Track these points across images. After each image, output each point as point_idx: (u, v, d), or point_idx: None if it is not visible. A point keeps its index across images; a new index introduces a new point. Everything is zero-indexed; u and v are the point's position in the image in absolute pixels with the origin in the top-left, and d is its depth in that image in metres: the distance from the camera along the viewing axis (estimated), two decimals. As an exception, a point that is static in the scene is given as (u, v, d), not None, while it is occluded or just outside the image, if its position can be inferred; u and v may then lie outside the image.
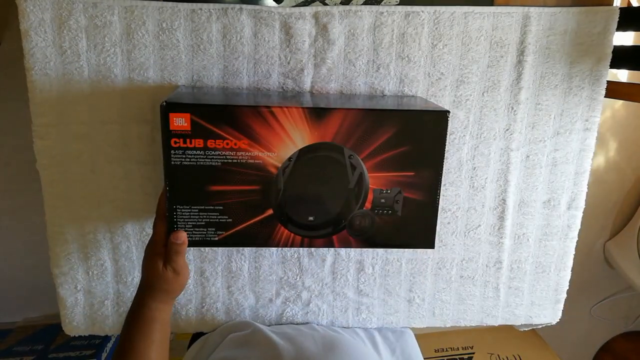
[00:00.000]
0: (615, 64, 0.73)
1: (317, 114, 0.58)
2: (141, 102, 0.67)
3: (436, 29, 0.68)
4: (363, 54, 0.69)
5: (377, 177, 0.61)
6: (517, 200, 0.78)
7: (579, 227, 0.80)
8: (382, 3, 0.68)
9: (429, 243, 0.66)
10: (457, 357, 1.46)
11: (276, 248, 0.75)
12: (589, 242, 1.69)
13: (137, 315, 0.60)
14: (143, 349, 0.58)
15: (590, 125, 0.75)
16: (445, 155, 0.65)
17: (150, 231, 0.72)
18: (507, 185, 0.76)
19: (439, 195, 0.63)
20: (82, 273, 0.74)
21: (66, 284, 0.74)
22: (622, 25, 0.72)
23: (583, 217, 0.80)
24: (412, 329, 0.84)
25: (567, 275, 0.83)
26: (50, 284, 0.74)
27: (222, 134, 0.57)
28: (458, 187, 0.76)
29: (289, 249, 0.75)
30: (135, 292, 0.62)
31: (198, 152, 0.58)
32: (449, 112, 0.60)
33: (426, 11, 0.68)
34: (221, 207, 0.60)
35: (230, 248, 0.74)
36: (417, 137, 0.60)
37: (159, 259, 0.60)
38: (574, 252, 0.82)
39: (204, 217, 0.61)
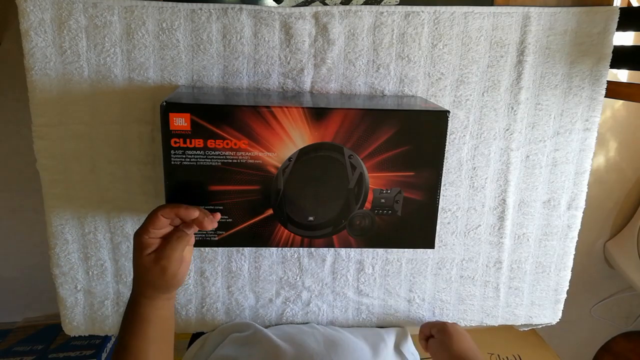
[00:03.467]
0: (615, 64, 0.73)
1: (317, 113, 0.58)
2: (141, 102, 0.67)
3: (436, 29, 0.68)
4: (363, 54, 0.69)
5: (377, 177, 0.61)
6: (517, 200, 0.78)
7: (579, 227, 0.81)
8: (382, 3, 0.68)
9: (429, 243, 0.66)
10: (457, 357, 1.46)
11: (276, 248, 0.75)
12: (589, 242, 1.69)
13: (129, 312, 0.56)
14: (139, 347, 0.55)
15: (590, 125, 0.75)
16: (445, 155, 0.65)
17: (150, 231, 0.72)
18: (507, 185, 0.76)
19: (439, 195, 0.63)
20: (82, 273, 0.74)
21: (66, 284, 0.74)
22: (622, 25, 0.72)
23: (583, 217, 0.80)
24: (412, 329, 0.84)
25: (567, 275, 0.83)
26: (50, 284, 0.74)
27: (222, 134, 0.57)
28: (458, 187, 0.76)
29: (289, 249, 0.75)
30: None
31: (198, 152, 0.58)
32: (449, 112, 0.60)
33: (426, 11, 0.68)
34: (221, 207, 0.60)
35: (230, 248, 0.74)
36: (417, 137, 0.60)
37: (148, 247, 0.53)
38: (574, 252, 0.82)
39: (204, 217, 0.61)
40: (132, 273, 0.74)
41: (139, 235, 0.54)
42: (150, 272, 0.54)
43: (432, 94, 0.71)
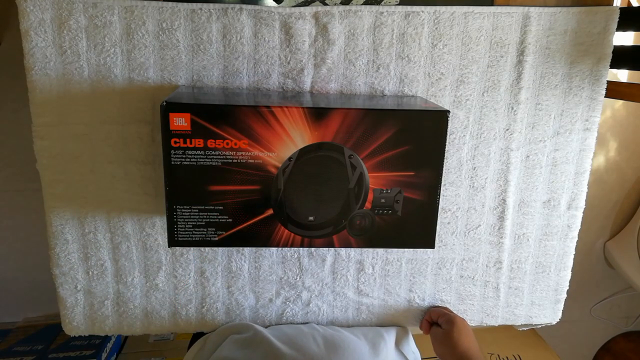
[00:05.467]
0: (615, 64, 0.73)
1: (317, 113, 0.58)
2: (141, 102, 0.67)
3: (436, 29, 0.68)
4: (363, 54, 0.69)
5: (377, 177, 0.61)
6: (517, 200, 0.78)
7: (579, 227, 0.80)
8: (382, 3, 0.68)
9: (429, 243, 0.66)
10: (457, 357, 1.46)
11: (276, 248, 0.75)
12: (589, 242, 1.69)
13: None
14: None
15: (590, 125, 0.75)
16: (445, 155, 0.65)
17: (150, 231, 0.72)
18: (507, 185, 0.76)
19: (439, 195, 0.63)
20: (82, 273, 0.74)
21: (66, 284, 0.74)
22: (622, 25, 0.72)
23: (583, 217, 0.80)
24: (412, 329, 0.84)
25: (567, 275, 0.83)
26: (50, 284, 0.74)
27: (222, 133, 0.57)
28: (458, 187, 0.76)
29: (289, 249, 0.75)
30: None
31: (198, 152, 0.58)
32: (449, 112, 0.60)
33: (426, 11, 0.68)
34: (221, 207, 0.60)
35: (230, 248, 0.74)
36: (417, 137, 0.60)
37: None
38: (574, 252, 0.82)
39: (204, 217, 0.61)
40: (132, 273, 0.74)
41: None
42: None
43: (432, 94, 0.71)
